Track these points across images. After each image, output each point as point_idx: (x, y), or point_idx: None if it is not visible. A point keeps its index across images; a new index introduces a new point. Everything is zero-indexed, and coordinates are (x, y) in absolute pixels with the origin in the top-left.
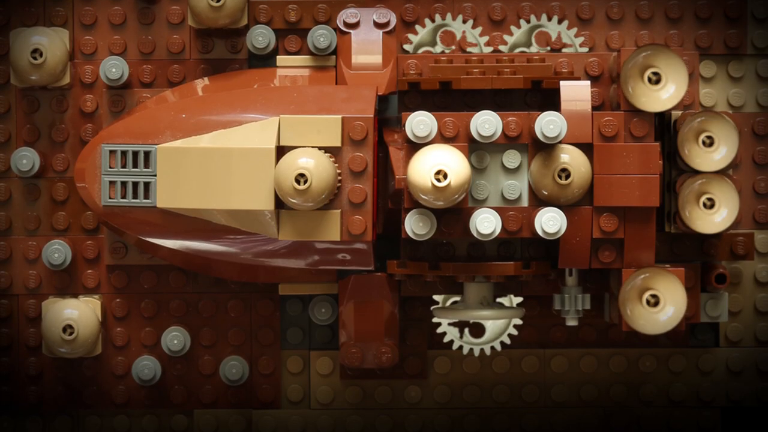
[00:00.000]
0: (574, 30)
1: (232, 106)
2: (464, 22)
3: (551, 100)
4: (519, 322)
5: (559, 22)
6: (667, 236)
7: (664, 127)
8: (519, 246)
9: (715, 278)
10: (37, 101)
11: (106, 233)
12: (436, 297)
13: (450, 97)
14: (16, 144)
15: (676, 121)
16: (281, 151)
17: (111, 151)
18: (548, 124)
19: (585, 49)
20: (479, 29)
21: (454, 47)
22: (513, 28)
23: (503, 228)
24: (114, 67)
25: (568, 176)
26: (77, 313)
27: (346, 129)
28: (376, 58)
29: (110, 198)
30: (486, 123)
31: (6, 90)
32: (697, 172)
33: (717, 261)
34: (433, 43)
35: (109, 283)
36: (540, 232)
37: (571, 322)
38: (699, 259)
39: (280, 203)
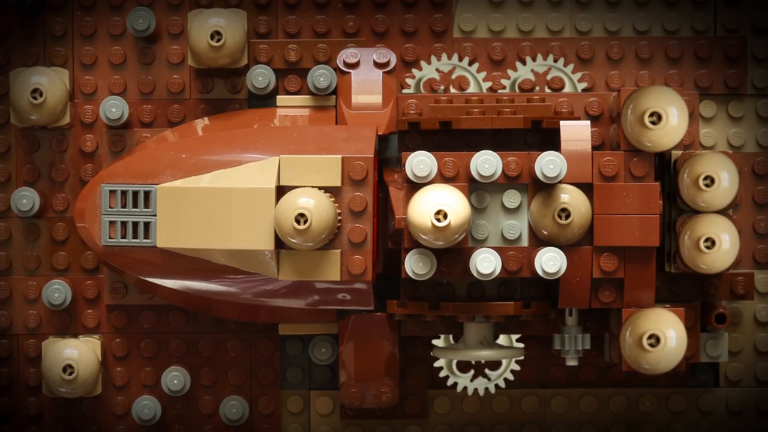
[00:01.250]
0: (571, 66)
1: (232, 145)
2: (470, 64)
3: (551, 140)
4: (517, 367)
5: (555, 60)
6: (667, 276)
7: (664, 167)
8: (519, 286)
9: (715, 318)
10: (37, 141)
11: (106, 273)
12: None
13: (450, 137)
14: (16, 184)
15: (676, 160)
16: (281, 190)
17: (111, 191)
18: (548, 164)
19: (583, 84)
20: (480, 70)
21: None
22: (518, 64)
23: (503, 268)
24: (114, 107)
25: (568, 216)
26: (77, 353)
27: (346, 169)
28: (376, 98)
29: (110, 238)
30: (486, 163)
31: (6, 130)
32: (697, 212)
33: (717, 301)
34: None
35: (109, 323)
36: (540, 272)
37: (571, 362)
38: (699, 299)
39: (280, 243)
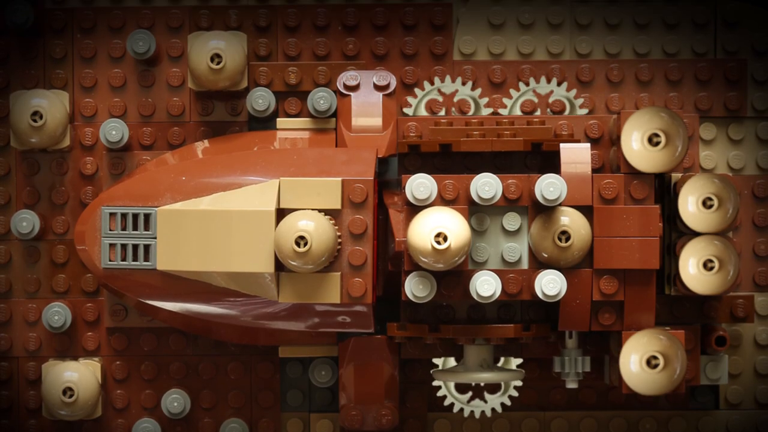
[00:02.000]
0: (574, 91)
1: (232, 168)
2: (473, 89)
3: (551, 163)
4: (515, 393)
5: (559, 84)
6: (667, 298)
7: (664, 190)
8: (519, 308)
9: (715, 340)
10: (37, 164)
11: (106, 296)
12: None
13: (450, 160)
14: (16, 206)
15: (677, 183)
16: (281, 213)
17: (111, 214)
18: (548, 186)
19: (584, 111)
20: (482, 95)
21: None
22: (522, 84)
23: (503, 290)
24: (114, 130)
25: (568, 239)
26: (77, 376)
27: (346, 191)
28: (376, 121)
29: (110, 260)
30: (486, 185)
31: (6, 152)
32: (697, 235)
33: (717, 323)
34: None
35: (109, 346)
36: (540, 295)
37: (571, 385)
38: (699, 322)
39: (280, 266)
